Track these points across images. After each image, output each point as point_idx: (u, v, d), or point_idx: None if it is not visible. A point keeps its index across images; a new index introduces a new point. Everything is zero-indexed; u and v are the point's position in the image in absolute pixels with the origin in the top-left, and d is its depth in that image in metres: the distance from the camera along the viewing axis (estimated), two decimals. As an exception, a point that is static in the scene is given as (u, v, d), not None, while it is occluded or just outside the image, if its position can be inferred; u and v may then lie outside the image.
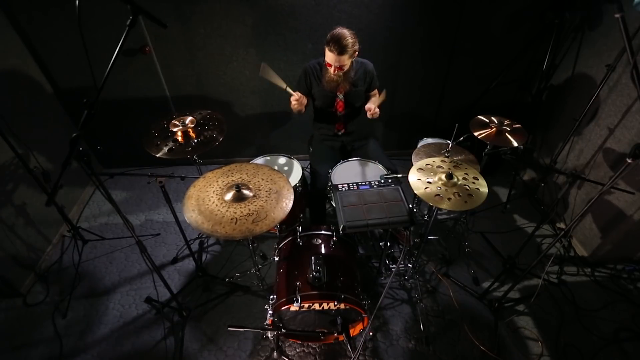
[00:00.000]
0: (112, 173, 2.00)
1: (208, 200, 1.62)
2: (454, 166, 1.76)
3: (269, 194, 1.65)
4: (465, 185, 1.66)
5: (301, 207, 2.36)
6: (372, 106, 2.05)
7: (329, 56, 1.93)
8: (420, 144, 2.37)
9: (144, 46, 2.47)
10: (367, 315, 1.74)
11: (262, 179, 1.73)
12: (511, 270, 2.24)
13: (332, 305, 1.71)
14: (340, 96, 2.18)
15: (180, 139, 1.94)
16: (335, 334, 1.84)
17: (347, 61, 1.95)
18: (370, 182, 1.88)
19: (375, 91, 2.31)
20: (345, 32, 1.88)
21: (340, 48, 1.87)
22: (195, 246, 2.51)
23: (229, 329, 1.57)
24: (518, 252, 2.08)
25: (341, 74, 2.02)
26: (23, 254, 2.27)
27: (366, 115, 2.09)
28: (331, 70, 2.00)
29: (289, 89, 1.98)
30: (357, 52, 1.97)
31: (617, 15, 1.26)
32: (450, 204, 1.56)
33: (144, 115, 2.76)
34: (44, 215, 2.45)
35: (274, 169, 1.81)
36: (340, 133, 2.34)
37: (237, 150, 3.19)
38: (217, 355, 1.96)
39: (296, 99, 2.01)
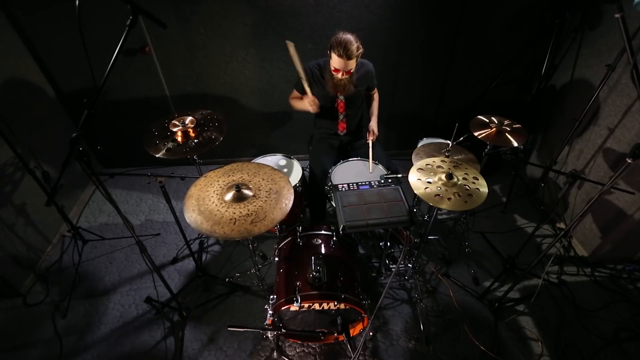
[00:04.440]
0: (112, 173, 2.00)
1: (208, 200, 1.62)
2: (454, 166, 1.76)
3: (269, 194, 1.65)
4: (465, 185, 1.66)
5: (301, 207, 2.36)
6: (374, 129, 2.27)
7: (338, 62, 1.93)
8: (420, 144, 2.36)
9: (144, 46, 2.47)
10: (367, 315, 1.74)
11: (263, 179, 1.73)
12: (511, 270, 2.24)
13: (332, 305, 1.71)
14: (341, 97, 2.19)
15: (180, 139, 1.94)
16: (335, 334, 1.83)
17: (354, 65, 1.98)
18: (370, 182, 1.89)
19: (375, 90, 2.37)
20: (350, 37, 1.90)
21: (349, 53, 1.88)
22: (195, 246, 2.51)
23: (229, 329, 1.57)
24: (518, 252, 2.08)
25: (348, 77, 2.04)
26: (23, 254, 2.27)
27: (367, 135, 2.27)
28: (338, 75, 2.01)
29: (303, 80, 2.02)
30: (360, 54, 1.99)
31: (617, 15, 1.26)
32: (450, 204, 1.56)
33: (144, 115, 2.76)
34: (44, 215, 2.45)
35: (275, 169, 1.81)
36: (342, 133, 2.35)
37: (237, 150, 3.19)
38: (217, 355, 1.96)
39: (311, 101, 2.10)
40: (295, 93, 2.29)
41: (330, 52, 1.96)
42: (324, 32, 2.05)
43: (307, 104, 2.13)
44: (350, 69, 1.98)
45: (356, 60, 1.97)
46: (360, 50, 1.95)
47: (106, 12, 2.26)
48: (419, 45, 2.64)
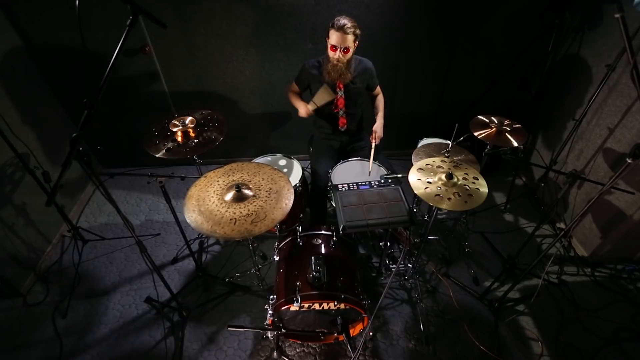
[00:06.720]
0: (112, 173, 2.01)
1: (208, 200, 1.62)
2: (454, 166, 1.77)
3: (269, 194, 1.65)
4: (465, 185, 1.66)
5: (301, 207, 2.36)
6: (377, 131, 2.23)
7: (335, 37, 1.95)
8: (420, 144, 2.36)
9: (144, 46, 2.47)
10: (367, 315, 1.74)
11: (263, 179, 1.73)
12: (511, 270, 2.24)
13: (332, 305, 1.71)
14: (340, 92, 2.18)
15: (180, 139, 1.94)
16: (335, 334, 1.84)
17: (351, 44, 1.98)
18: (370, 182, 1.89)
19: (378, 90, 2.36)
20: (348, 17, 1.95)
21: (345, 28, 1.92)
22: (195, 246, 2.51)
23: (229, 329, 1.57)
24: (518, 252, 2.08)
25: (345, 60, 2.02)
26: (23, 254, 2.27)
27: (370, 138, 2.24)
28: (335, 55, 2.01)
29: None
30: (358, 40, 2.00)
31: (617, 15, 1.26)
32: (450, 204, 1.56)
33: (144, 115, 2.76)
34: (44, 215, 2.45)
35: (275, 168, 1.81)
36: (342, 129, 2.34)
37: (237, 150, 3.19)
38: (217, 355, 1.96)
39: (306, 111, 2.16)
40: (294, 87, 2.31)
41: (328, 33, 1.98)
42: (324, 32, 2.06)
43: (302, 107, 2.18)
44: (348, 47, 1.98)
45: (354, 41, 1.98)
46: (358, 32, 1.97)
47: (106, 12, 2.25)
48: (419, 45, 2.64)
